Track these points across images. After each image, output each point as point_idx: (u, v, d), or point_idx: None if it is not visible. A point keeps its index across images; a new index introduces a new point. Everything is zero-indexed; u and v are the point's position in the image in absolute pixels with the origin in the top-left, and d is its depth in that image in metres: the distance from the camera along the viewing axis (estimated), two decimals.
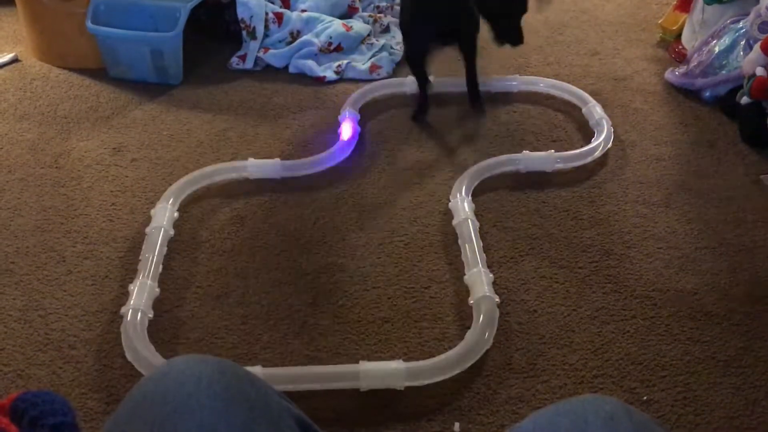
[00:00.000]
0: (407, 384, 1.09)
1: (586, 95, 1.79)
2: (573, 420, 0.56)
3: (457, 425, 1.06)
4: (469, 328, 1.21)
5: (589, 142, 1.65)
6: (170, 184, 1.51)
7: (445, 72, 1.89)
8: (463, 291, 1.29)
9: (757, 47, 1.67)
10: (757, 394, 1.11)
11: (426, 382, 1.10)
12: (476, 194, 1.49)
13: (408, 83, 1.84)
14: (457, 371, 1.11)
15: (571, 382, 1.13)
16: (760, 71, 1.65)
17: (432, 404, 1.10)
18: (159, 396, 0.57)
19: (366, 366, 1.11)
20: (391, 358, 1.15)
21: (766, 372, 1.14)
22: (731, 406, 1.09)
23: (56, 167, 1.61)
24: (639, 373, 1.14)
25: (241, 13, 1.98)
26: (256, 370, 1.09)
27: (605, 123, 1.68)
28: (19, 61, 2.03)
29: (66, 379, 1.13)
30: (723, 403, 1.10)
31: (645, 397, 1.10)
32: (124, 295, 1.27)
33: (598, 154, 1.60)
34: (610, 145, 1.63)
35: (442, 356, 1.12)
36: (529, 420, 0.60)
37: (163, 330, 1.22)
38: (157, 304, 1.25)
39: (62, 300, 1.28)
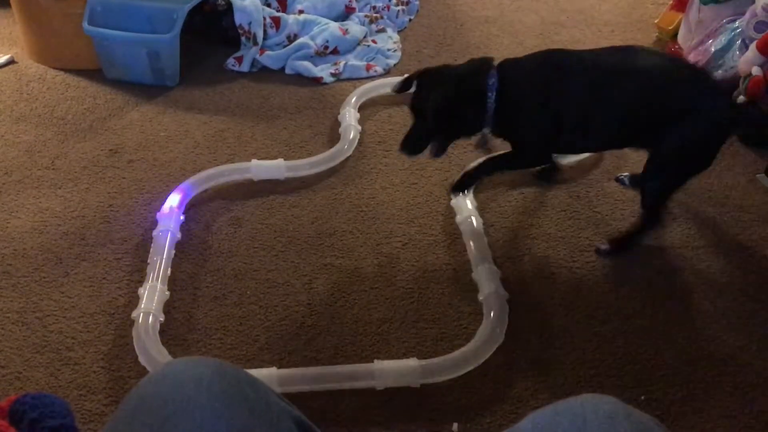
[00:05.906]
0: (422, 382, 1.10)
1: None
2: (572, 420, 0.56)
3: (455, 425, 1.06)
4: (466, 327, 1.21)
5: None
6: (168, 186, 1.51)
7: None
8: (462, 290, 1.29)
9: (753, 47, 1.68)
10: (755, 393, 1.11)
11: (441, 379, 1.10)
12: (474, 194, 1.50)
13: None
14: (470, 368, 1.12)
15: (569, 381, 1.13)
16: (756, 71, 1.65)
17: (430, 404, 1.10)
18: (158, 398, 0.57)
19: (381, 365, 1.11)
20: (389, 357, 1.15)
21: (763, 370, 1.15)
22: (728, 405, 1.09)
23: (53, 169, 1.61)
24: (637, 373, 1.15)
25: (239, 19, 1.98)
26: (271, 371, 1.09)
27: None
28: (16, 62, 2.02)
29: (64, 381, 1.13)
30: (720, 401, 1.10)
31: (643, 397, 1.11)
32: (122, 297, 1.27)
33: None
34: None
35: (456, 353, 1.12)
36: (527, 420, 0.60)
37: (160, 332, 1.21)
38: None
39: (60, 302, 1.27)
